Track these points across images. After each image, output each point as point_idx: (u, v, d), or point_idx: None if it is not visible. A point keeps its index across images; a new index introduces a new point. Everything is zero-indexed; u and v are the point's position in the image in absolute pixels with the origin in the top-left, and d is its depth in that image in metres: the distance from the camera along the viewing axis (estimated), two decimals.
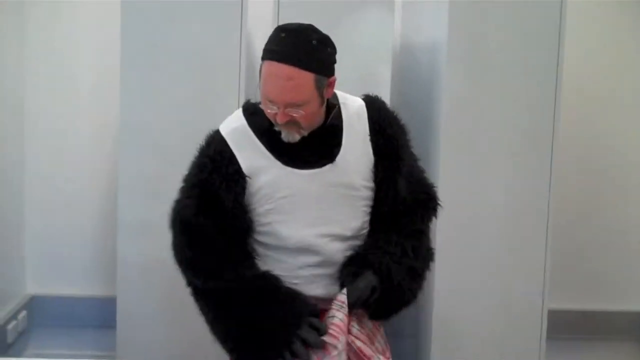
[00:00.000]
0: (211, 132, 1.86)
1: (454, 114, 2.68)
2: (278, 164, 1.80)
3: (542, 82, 2.71)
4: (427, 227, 1.93)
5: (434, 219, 1.94)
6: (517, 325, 2.78)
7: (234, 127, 1.85)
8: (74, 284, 3.54)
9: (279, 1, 2.75)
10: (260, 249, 1.87)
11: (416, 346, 2.94)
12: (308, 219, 1.81)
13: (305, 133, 1.77)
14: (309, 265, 1.83)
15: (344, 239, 1.83)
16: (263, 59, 1.73)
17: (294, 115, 1.71)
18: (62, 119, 3.47)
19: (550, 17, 2.69)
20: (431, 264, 1.93)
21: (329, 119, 1.83)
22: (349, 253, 1.83)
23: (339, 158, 1.81)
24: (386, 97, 2.72)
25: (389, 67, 2.83)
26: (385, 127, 1.85)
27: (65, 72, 3.45)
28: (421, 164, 1.97)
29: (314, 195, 1.80)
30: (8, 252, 3.41)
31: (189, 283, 1.87)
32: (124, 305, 2.80)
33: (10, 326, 3.27)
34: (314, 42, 1.71)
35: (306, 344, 1.71)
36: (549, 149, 2.73)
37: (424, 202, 1.91)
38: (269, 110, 1.74)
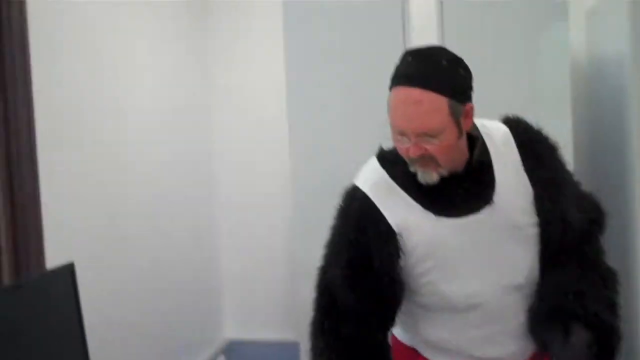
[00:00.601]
0: (349, 190, 1.65)
1: None
2: (430, 216, 1.57)
3: None
4: (602, 244, 1.69)
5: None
6: None
7: (375, 181, 1.63)
8: (271, 328, 3.63)
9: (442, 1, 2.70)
10: (421, 312, 1.66)
11: None
12: (475, 271, 1.59)
13: (445, 172, 1.54)
14: (484, 323, 1.61)
15: (518, 287, 1.61)
16: (390, 87, 1.54)
17: (427, 147, 1.50)
18: (248, 152, 3.71)
19: None
20: (618, 286, 1.67)
21: (475, 155, 1.60)
22: (526, 303, 1.61)
23: (496, 198, 1.57)
24: (566, 111, 2.64)
25: (567, 81, 2.64)
26: (537, 151, 1.62)
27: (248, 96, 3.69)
28: (583, 175, 1.77)
29: (476, 244, 1.58)
30: (208, 297, 3.60)
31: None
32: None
33: None
34: (444, 62, 1.51)
35: None
36: None
37: (596, 221, 1.67)
38: (400, 145, 1.54)
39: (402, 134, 1.51)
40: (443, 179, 1.56)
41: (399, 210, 1.58)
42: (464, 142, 1.58)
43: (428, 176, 1.54)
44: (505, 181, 1.59)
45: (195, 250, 3.51)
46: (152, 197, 3.12)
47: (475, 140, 1.61)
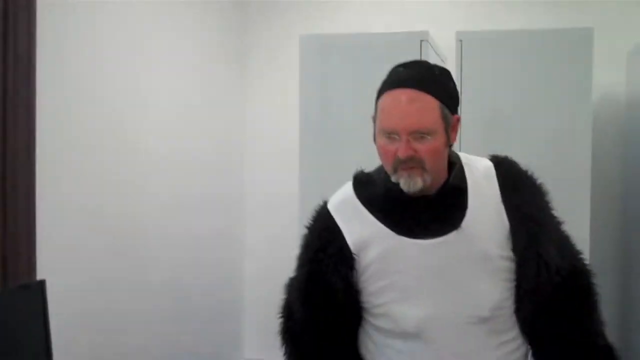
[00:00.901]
0: (317, 208, 1.66)
1: None
2: (390, 233, 1.53)
3: None
4: (600, 312, 1.56)
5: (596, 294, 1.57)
6: None
7: (341, 199, 1.63)
8: None
9: None
10: (378, 337, 1.60)
11: None
12: (430, 296, 1.52)
13: (429, 180, 1.49)
14: (439, 355, 1.51)
15: (482, 320, 1.51)
16: (379, 94, 1.53)
17: (417, 148, 1.46)
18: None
19: None
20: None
21: (451, 178, 1.56)
22: (494, 342, 1.52)
23: (465, 223, 1.51)
24: (587, 153, 2.52)
25: (589, 122, 2.52)
26: (519, 187, 1.56)
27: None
28: (566, 227, 1.61)
29: (437, 269, 1.51)
30: (228, 317, 3.62)
31: None
32: None
33: None
34: (437, 71, 1.53)
35: None
36: None
37: (580, 272, 1.56)
38: (388, 148, 1.50)
39: (393, 133, 1.48)
40: (412, 200, 1.52)
41: (359, 228, 1.56)
42: (446, 157, 1.55)
43: (412, 182, 1.48)
44: (479, 209, 1.53)
45: (217, 268, 3.58)
46: (170, 210, 3.16)
47: (453, 166, 1.58)
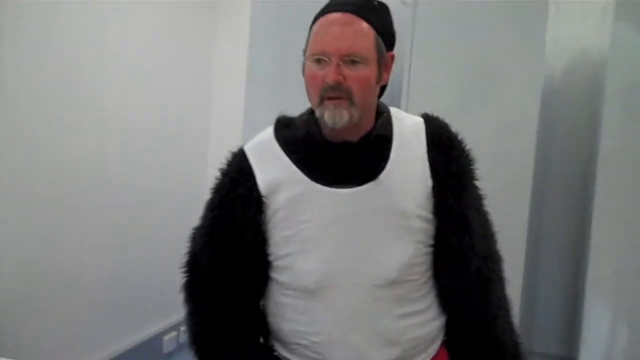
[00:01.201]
0: (234, 151, 1.58)
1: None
2: (303, 178, 1.44)
3: None
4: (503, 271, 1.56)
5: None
6: None
7: (259, 141, 1.54)
8: None
9: None
10: (279, 296, 1.50)
11: None
12: (336, 250, 1.42)
13: (356, 116, 1.40)
14: (340, 317, 1.43)
15: (389, 282, 1.42)
16: (313, 22, 1.45)
17: (349, 73, 1.37)
18: None
19: None
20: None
21: (376, 127, 1.47)
22: (398, 307, 1.44)
23: (384, 175, 1.43)
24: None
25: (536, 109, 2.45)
26: (447, 147, 1.49)
27: None
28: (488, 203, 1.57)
29: (347, 221, 1.42)
30: None
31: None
32: None
33: None
34: (376, 3, 1.46)
35: None
36: None
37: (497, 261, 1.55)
38: (316, 73, 1.40)
39: (323, 55, 1.39)
40: (332, 146, 1.44)
41: (272, 170, 1.47)
42: (376, 95, 1.48)
43: (338, 115, 1.39)
44: (401, 164, 1.46)
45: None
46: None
47: (380, 116, 1.51)
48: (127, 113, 3.14)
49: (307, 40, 1.45)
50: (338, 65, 1.37)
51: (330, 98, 1.39)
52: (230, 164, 1.53)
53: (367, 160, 1.45)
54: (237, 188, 1.48)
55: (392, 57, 1.48)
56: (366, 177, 1.43)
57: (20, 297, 2.56)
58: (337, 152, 1.44)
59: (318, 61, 1.40)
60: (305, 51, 1.45)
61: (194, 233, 1.56)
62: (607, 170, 2.34)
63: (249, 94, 2.71)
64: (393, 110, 1.55)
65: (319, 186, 1.43)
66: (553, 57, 2.83)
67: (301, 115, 1.53)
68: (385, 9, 1.48)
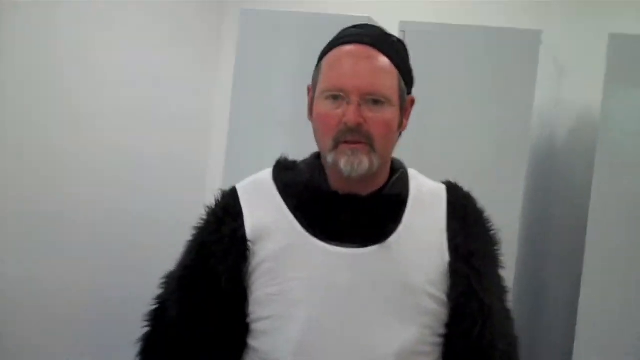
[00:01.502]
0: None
1: None
2: (297, 228, 1.24)
3: None
4: None
5: None
6: None
7: (253, 179, 1.36)
8: None
9: None
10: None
11: None
12: (324, 323, 1.21)
13: (376, 165, 1.22)
14: None
15: None
16: (324, 54, 1.27)
17: (370, 116, 1.19)
18: None
19: None
20: None
21: (390, 183, 1.29)
22: None
23: (393, 239, 1.23)
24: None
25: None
26: (470, 222, 1.30)
27: None
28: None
29: (342, 288, 1.21)
30: None
31: None
32: None
33: None
34: (394, 39, 1.29)
35: None
36: None
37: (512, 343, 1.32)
38: (331, 112, 1.22)
39: (341, 92, 1.20)
40: (337, 196, 1.25)
41: (263, 213, 1.28)
42: (394, 145, 1.29)
43: (357, 161, 1.20)
44: (415, 230, 1.26)
45: None
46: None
47: (396, 172, 1.32)
48: (125, 133, 3.00)
49: (316, 75, 1.28)
50: (359, 104, 1.20)
51: (347, 142, 1.21)
52: (218, 202, 1.34)
53: (375, 219, 1.25)
54: (220, 228, 1.28)
55: (413, 101, 1.32)
56: (372, 239, 1.23)
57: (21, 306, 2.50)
58: (342, 204, 1.25)
59: (334, 98, 1.22)
60: (314, 87, 1.27)
61: (166, 278, 1.35)
62: (597, 235, 2.28)
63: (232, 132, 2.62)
64: (411, 171, 1.37)
65: (315, 240, 1.23)
66: (552, 117, 2.80)
67: (305, 160, 1.36)
68: (403, 46, 1.32)
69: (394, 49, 1.27)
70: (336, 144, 1.22)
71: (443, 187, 1.35)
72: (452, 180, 1.38)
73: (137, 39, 3.01)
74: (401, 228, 1.25)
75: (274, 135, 2.58)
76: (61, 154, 2.70)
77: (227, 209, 1.31)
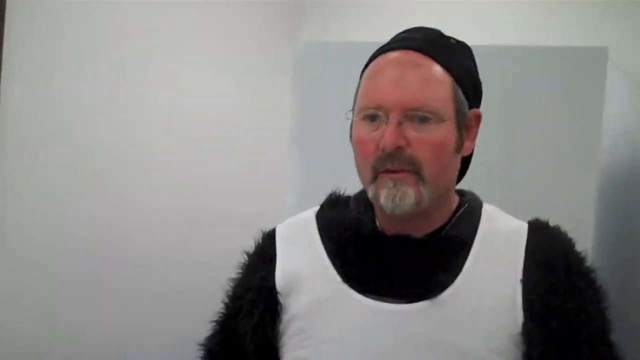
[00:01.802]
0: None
1: None
2: (334, 276, 1.07)
3: None
4: None
5: None
6: None
7: (295, 220, 1.20)
8: None
9: None
10: None
11: None
12: None
13: (426, 199, 1.02)
14: None
15: None
16: (367, 65, 1.11)
17: (415, 137, 1.00)
18: None
19: None
20: None
21: (453, 220, 1.09)
22: None
23: (449, 293, 1.02)
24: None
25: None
26: (556, 268, 1.04)
27: None
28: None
29: (382, 353, 1.03)
30: None
31: None
32: None
33: None
34: (453, 40, 1.11)
35: None
36: None
37: None
38: (367, 137, 1.04)
39: (378, 110, 1.02)
40: (384, 240, 1.06)
41: (299, 259, 1.11)
42: (455, 171, 1.08)
43: (400, 194, 1.00)
44: (478, 280, 1.03)
45: None
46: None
47: (461, 208, 1.11)
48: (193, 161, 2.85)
49: (357, 91, 1.10)
50: (399, 124, 1.01)
51: (388, 171, 1.03)
52: (257, 245, 1.20)
53: (427, 267, 1.04)
54: (251, 278, 1.14)
55: (478, 117, 1.10)
56: (421, 292, 1.03)
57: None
58: (390, 249, 1.06)
59: (372, 118, 1.04)
60: (353, 107, 1.10)
61: (201, 345, 1.22)
62: None
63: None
64: (487, 207, 1.13)
65: (352, 292, 1.05)
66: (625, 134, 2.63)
67: (356, 194, 1.18)
68: (466, 49, 1.12)
69: (450, 53, 1.07)
70: (375, 175, 1.04)
71: (524, 226, 1.11)
72: (542, 219, 1.13)
73: (202, 70, 2.89)
74: (460, 280, 1.03)
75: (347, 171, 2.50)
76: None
77: (262, 254, 1.16)
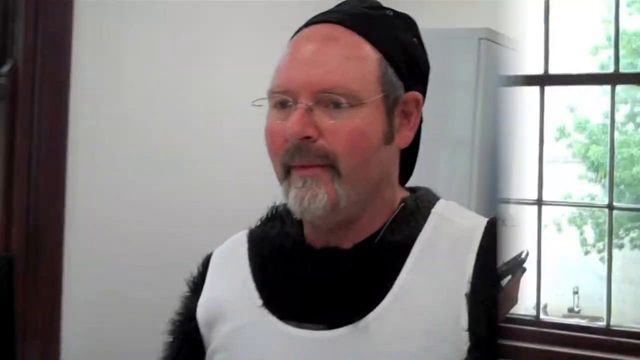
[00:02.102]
0: None
1: None
2: (256, 302, 0.92)
3: None
4: None
5: None
6: None
7: (230, 240, 1.04)
8: None
9: None
10: None
11: None
12: None
13: (344, 200, 0.85)
14: None
15: None
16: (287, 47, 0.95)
17: (328, 123, 0.84)
18: None
19: None
20: None
21: (387, 224, 0.90)
22: None
23: (374, 316, 0.86)
24: None
25: None
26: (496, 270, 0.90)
27: None
28: None
29: None
30: None
31: None
32: None
33: None
34: (390, 12, 0.93)
35: None
36: None
37: None
38: (275, 127, 0.88)
39: (286, 94, 0.86)
40: (311, 254, 0.91)
41: (223, 285, 0.98)
42: (387, 170, 0.91)
43: (310, 195, 0.84)
44: (414, 296, 0.86)
45: None
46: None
47: (403, 211, 0.93)
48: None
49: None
50: (308, 109, 0.84)
51: (296, 167, 0.87)
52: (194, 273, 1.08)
53: (356, 285, 0.87)
54: (180, 310, 1.03)
55: (418, 101, 0.92)
56: (345, 316, 0.86)
57: None
58: (314, 265, 0.90)
59: (282, 105, 0.87)
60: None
61: None
62: None
63: None
64: (441, 206, 0.94)
65: (272, 318, 0.90)
66: None
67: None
68: (407, 22, 0.94)
69: (378, 25, 0.89)
70: (286, 171, 0.87)
71: (482, 225, 0.91)
72: (501, 215, 0.99)
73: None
74: (389, 298, 0.86)
75: None
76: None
77: (192, 284, 1.03)
